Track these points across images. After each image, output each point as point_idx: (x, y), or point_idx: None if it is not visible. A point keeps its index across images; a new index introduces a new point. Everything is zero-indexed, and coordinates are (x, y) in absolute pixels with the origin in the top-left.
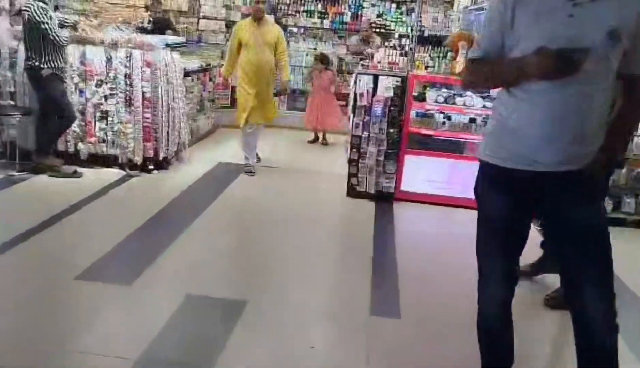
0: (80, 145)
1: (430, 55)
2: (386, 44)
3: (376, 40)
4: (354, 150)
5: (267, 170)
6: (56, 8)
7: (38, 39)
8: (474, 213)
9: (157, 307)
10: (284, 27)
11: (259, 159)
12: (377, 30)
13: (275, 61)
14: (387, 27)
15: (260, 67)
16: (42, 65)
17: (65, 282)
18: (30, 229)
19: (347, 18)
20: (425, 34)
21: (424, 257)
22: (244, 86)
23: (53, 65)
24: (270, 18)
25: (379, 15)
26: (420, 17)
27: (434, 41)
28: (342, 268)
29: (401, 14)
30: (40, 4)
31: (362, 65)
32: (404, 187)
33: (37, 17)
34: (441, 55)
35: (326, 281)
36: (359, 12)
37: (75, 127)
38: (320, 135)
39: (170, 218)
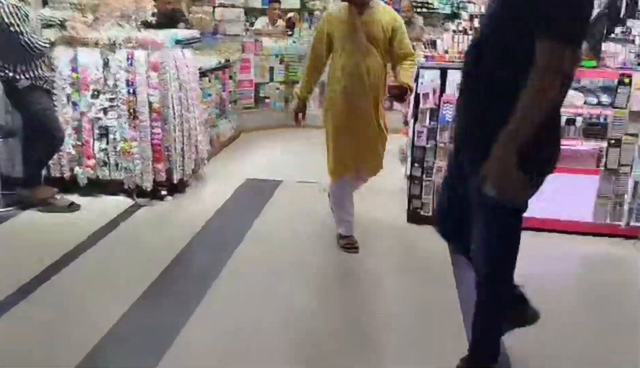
0: (77, 170)
1: None
2: (454, 28)
3: (418, 21)
4: (416, 164)
5: (302, 186)
6: (45, 3)
7: (10, 45)
8: (578, 240)
9: None
10: (310, 13)
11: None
12: (419, 10)
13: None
14: (430, 6)
15: (363, 79)
16: (17, 76)
17: None
18: (10, 295)
19: None
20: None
21: None
22: (334, 114)
23: (32, 75)
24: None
25: None
26: None
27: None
28: (425, 346)
29: None
30: (12, 1)
31: (426, 56)
32: None
33: (5, 18)
34: None
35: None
36: None
37: (69, 147)
38: None
39: (187, 272)
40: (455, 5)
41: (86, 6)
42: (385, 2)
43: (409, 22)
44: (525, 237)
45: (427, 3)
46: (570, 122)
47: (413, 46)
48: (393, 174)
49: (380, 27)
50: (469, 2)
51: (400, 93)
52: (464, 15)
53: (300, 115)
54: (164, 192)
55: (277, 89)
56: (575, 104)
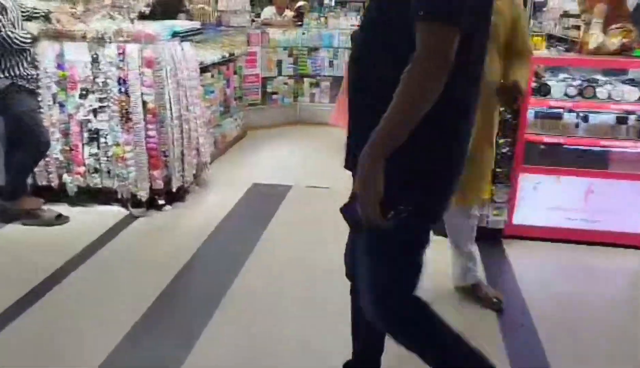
0: (66, 178)
1: None
2: None
3: None
4: None
5: (313, 191)
6: None
7: None
8: (632, 255)
9: None
10: (320, 3)
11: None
12: None
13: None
14: None
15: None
16: None
17: None
18: None
19: None
20: None
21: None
22: None
23: (12, 74)
24: None
25: None
26: None
27: None
28: None
29: None
30: None
31: None
32: (518, 219)
33: None
34: None
35: None
36: None
37: (57, 153)
38: None
39: (189, 294)
40: None
41: None
42: None
43: None
44: (570, 252)
45: None
46: (622, 120)
47: None
48: None
49: (504, 17)
50: None
51: (510, 95)
52: None
53: None
54: (161, 202)
55: (286, 83)
56: (628, 99)
